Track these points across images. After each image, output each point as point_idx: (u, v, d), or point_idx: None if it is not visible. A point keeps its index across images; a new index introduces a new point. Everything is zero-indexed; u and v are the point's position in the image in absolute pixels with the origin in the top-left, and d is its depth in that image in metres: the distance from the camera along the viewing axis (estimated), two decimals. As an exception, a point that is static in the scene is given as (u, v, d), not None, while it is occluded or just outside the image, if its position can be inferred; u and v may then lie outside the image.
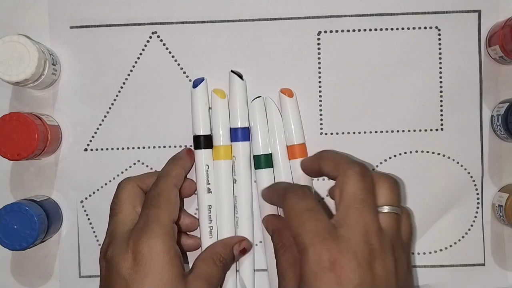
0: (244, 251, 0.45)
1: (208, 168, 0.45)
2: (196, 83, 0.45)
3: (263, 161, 0.45)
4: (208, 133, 0.45)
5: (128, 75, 0.47)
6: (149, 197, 0.42)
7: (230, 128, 0.46)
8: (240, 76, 0.45)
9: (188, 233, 0.47)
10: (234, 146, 0.46)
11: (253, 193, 0.46)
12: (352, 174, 0.37)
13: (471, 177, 0.47)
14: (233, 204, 0.46)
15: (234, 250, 0.44)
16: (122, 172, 0.47)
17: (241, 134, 0.45)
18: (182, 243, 0.46)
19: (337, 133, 0.47)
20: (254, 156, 0.46)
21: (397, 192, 0.39)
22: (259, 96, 0.46)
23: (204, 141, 0.45)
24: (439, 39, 0.46)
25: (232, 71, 0.45)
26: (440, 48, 0.46)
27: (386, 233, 0.36)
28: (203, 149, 0.45)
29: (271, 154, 0.46)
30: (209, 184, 0.45)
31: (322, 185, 0.47)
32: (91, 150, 0.48)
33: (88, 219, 0.48)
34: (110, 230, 0.41)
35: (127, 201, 0.42)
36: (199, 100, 0.45)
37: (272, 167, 0.46)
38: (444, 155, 0.47)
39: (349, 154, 0.46)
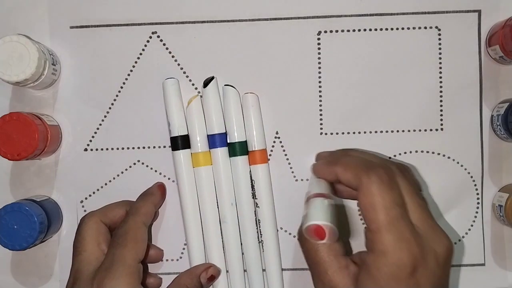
0: (212, 278, 0.44)
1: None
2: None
3: (238, 149, 0.45)
4: (185, 133, 0.46)
5: (128, 75, 0.47)
6: (116, 235, 0.41)
7: (208, 135, 0.46)
8: (207, 83, 0.45)
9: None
10: (213, 153, 0.46)
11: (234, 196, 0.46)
12: (375, 188, 0.35)
13: (471, 177, 0.47)
14: (217, 210, 0.46)
15: (202, 278, 0.44)
16: (122, 172, 0.47)
17: (218, 140, 0.45)
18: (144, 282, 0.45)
19: (337, 133, 0.47)
20: (228, 143, 0.46)
21: (428, 210, 0.37)
22: (231, 85, 0.46)
23: (181, 142, 0.45)
24: (439, 39, 0.46)
25: (204, 81, 0.46)
26: (440, 48, 0.46)
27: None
28: (180, 150, 0.45)
29: (245, 141, 0.46)
30: None
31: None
32: (91, 150, 0.48)
33: (88, 219, 0.48)
34: (74, 269, 0.41)
35: (91, 239, 0.41)
36: (172, 101, 0.45)
37: (247, 154, 0.46)
38: (444, 155, 0.47)
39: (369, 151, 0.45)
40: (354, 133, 0.47)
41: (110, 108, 0.47)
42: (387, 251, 0.34)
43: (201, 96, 0.46)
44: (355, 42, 0.46)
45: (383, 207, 0.35)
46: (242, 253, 0.46)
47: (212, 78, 0.46)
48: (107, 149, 0.48)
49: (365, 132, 0.47)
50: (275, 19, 0.46)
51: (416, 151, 0.47)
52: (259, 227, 0.46)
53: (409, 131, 0.47)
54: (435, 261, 0.35)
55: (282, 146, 0.47)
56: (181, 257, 0.48)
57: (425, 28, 0.46)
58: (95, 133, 0.47)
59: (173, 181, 0.47)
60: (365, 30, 0.46)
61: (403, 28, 0.46)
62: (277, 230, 0.47)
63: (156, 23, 0.47)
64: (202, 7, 0.47)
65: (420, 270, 0.34)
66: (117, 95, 0.47)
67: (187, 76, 0.47)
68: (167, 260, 0.48)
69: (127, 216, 0.43)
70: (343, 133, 0.47)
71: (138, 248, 0.41)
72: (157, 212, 0.47)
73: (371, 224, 0.35)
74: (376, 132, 0.47)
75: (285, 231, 0.47)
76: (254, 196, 0.46)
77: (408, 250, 0.34)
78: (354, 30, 0.46)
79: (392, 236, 0.34)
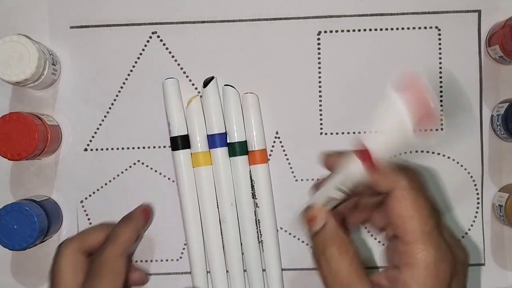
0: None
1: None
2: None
3: (237, 149, 0.45)
4: (185, 133, 0.46)
5: (128, 75, 0.47)
6: (93, 266, 0.40)
7: (207, 135, 0.46)
8: (207, 83, 0.45)
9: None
10: (213, 153, 0.46)
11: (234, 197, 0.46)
12: (413, 195, 0.33)
13: (471, 177, 0.47)
14: (217, 210, 0.46)
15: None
16: (122, 172, 0.47)
17: (218, 140, 0.45)
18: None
19: (337, 133, 0.47)
20: (228, 143, 0.46)
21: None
22: (231, 86, 0.46)
23: (181, 142, 0.45)
24: (439, 39, 0.46)
25: (204, 81, 0.46)
26: (440, 48, 0.46)
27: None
28: (180, 150, 0.45)
29: (245, 141, 0.46)
30: None
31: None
32: (91, 150, 0.48)
33: (88, 219, 0.48)
34: None
35: (67, 271, 0.40)
36: (171, 101, 0.45)
37: (247, 154, 0.46)
38: (444, 155, 0.47)
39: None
40: (354, 133, 0.47)
41: (110, 108, 0.47)
42: (428, 264, 0.32)
43: (201, 96, 0.46)
44: (355, 42, 0.46)
45: (421, 216, 0.33)
46: (242, 253, 0.46)
47: (212, 78, 0.46)
48: (107, 149, 0.48)
49: (365, 132, 0.47)
50: (275, 19, 0.46)
51: (416, 151, 0.47)
52: (259, 227, 0.46)
53: (409, 131, 0.47)
54: (462, 269, 0.34)
55: (282, 146, 0.47)
56: (181, 257, 0.48)
57: (425, 28, 0.46)
58: (95, 133, 0.47)
59: (173, 181, 0.47)
60: (365, 30, 0.46)
61: (403, 28, 0.46)
62: (277, 230, 0.47)
63: (156, 23, 0.47)
64: (202, 7, 0.47)
65: (454, 280, 0.33)
66: (117, 95, 0.47)
67: (187, 76, 0.47)
68: (167, 260, 0.48)
69: (106, 243, 0.41)
70: (343, 133, 0.47)
71: (116, 281, 0.39)
72: (141, 235, 0.46)
73: (406, 235, 0.32)
74: (376, 132, 0.47)
75: (285, 231, 0.47)
76: (254, 196, 0.46)
77: (447, 261, 0.32)
78: (354, 30, 0.46)
79: (432, 247, 0.32)
